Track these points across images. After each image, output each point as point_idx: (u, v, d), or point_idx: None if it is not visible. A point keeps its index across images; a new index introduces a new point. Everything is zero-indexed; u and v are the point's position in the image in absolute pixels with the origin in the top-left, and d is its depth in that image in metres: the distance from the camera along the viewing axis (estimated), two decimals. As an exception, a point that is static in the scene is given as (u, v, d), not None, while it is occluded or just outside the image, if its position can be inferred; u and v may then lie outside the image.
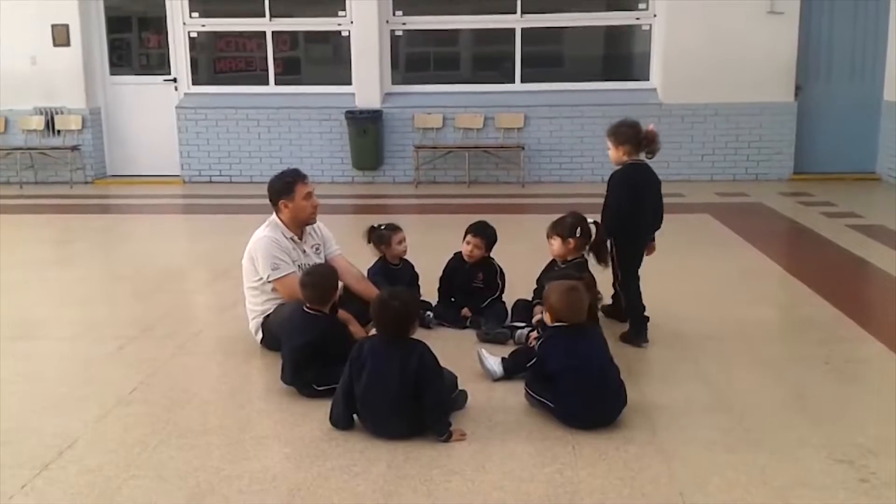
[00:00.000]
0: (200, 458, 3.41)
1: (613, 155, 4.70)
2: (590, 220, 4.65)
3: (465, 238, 5.18)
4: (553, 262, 4.88)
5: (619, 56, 11.63)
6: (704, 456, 3.34)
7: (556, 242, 4.67)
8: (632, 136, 4.64)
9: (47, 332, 5.20)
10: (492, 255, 5.22)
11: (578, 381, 3.52)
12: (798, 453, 3.35)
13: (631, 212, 4.61)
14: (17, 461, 3.41)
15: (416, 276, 5.36)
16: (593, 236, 4.60)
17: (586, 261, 4.63)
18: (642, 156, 4.69)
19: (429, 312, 4.98)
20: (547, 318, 3.74)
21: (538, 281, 4.85)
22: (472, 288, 5.15)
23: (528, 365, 3.80)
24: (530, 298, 4.94)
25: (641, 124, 4.71)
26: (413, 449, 3.41)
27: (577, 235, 4.60)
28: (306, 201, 4.65)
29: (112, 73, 11.61)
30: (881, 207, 8.85)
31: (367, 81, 11.00)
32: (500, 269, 5.20)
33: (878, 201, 9.32)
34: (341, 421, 3.60)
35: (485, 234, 5.16)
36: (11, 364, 4.54)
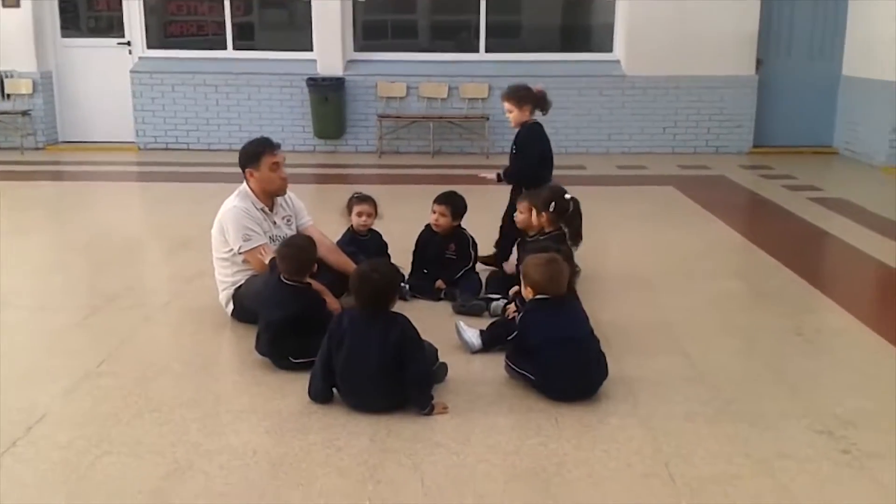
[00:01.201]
0: (176, 433, 3.32)
1: (517, 116, 5.20)
2: (567, 195, 4.61)
3: (432, 208, 5.13)
4: (524, 234, 4.85)
5: (584, 27, 11.61)
6: (687, 428, 3.36)
7: (527, 213, 4.64)
8: (531, 97, 5.19)
9: (10, 302, 5.01)
10: (463, 225, 5.18)
11: (560, 354, 3.50)
12: (779, 425, 3.38)
13: (542, 164, 5.23)
14: (-17, 438, 3.29)
15: (385, 246, 5.30)
16: (569, 210, 4.56)
17: (564, 233, 4.59)
18: (537, 114, 5.25)
19: (405, 284, 4.92)
20: (527, 293, 3.71)
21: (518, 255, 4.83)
22: (445, 259, 5.11)
23: (509, 338, 3.77)
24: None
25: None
26: (395, 423, 3.36)
27: (551, 210, 4.57)
28: (273, 172, 4.53)
29: (63, 36, 11.21)
30: (839, 180, 9.00)
31: (329, 48, 10.79)
32: (472, 240, 5.16)
33: (836, 175, 9.49)
34: (320, 395, 3.54)
35: (450, 202, 5.12)
36: (-28, 336, 4.39)
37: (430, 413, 3.43)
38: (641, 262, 5.85)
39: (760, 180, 9.04)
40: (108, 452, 3.16)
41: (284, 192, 4.67)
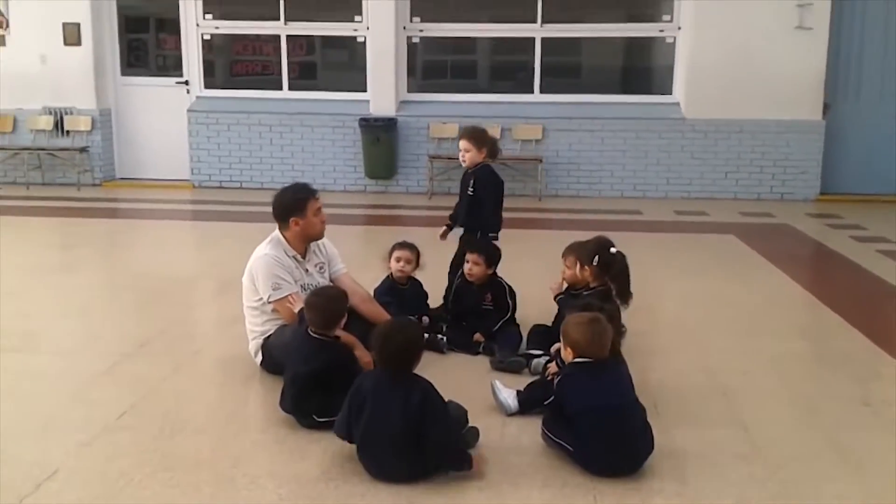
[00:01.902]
0: (187, 496, 3.13)
1: (474, 156, 5.11)
2: (613, 249, 4.33)
3: (466, 258, 4.92)
4: (568, 289, 4.59)
5: (642, 68, 11.34)
6: (738, 512, 3.05)
7: (571, 266, 4.37)
8: (488, 140, 5.19)
9: (41, 346, 4.95)
10: (498, 273, 4.94)
11: (600, 424, 3.21)
12: (838, 511, 3.05)
13: (497, 207, 5.17)
14: (-9, 494, 3.15)
15: (425, 296, 5.10)
16: (613, 266, 4.28)
17: (611, 289, 4.31)
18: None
19: (442, 336, 4.70)
20: (566, 354, 3.44)
21: (559, 309, 4.56)
22: (482, 310, 4.87)
23: (546, 403, 3.50)
24: (549, 324, 4.66)
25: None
26: (417, 495, 3.12)
27: (595, 263, 4.29)
28: (317, 217, 4.40)
29: (124, 74, 11.41)
30: (912, 232, 8.52)
31: (383, 88, 10.75)
32: (510, 288, 4.91)
33: (909, 225, 8.99)
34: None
35: (480, 248, 4.91)
36: (1, 380, 4.29)
37: (471, 468, 3.20)
38: (696, 316, 5.52)
39: (827, 230, 8.61)
40: (114, 517, 2.99)
41: (322, 236, 4.51)
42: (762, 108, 10.16)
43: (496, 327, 4.75)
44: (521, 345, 4.64)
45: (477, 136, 5.16)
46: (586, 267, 4.29)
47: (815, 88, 10.14)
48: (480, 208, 5.12)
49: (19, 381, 4.30)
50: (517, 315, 4.91)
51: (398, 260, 4.98)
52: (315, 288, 4.21)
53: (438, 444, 3.20)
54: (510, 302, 4.87)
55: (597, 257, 4.26)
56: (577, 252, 4.40)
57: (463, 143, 5.16)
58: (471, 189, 5.14)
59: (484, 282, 4.88)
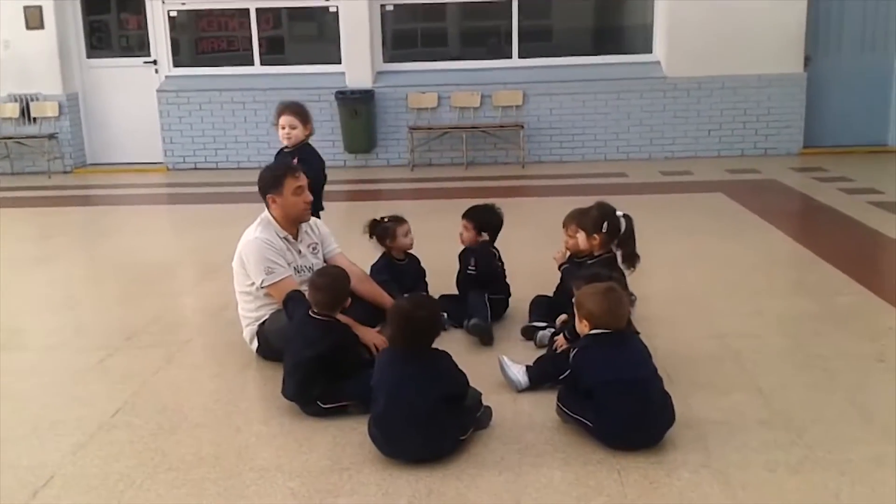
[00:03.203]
0: (194, 497, 2.98)
1: (301, 133, 5.03)
2: (619, 212, 4.19)
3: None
4: (572, 258, 4.45)
5: (621, 28, 11.15)
6: (768, 480, 2.95)
7: (580, 236, 4.21)
8: (309, 117, 5.15)
9: (25, 342, 4.74)
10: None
11: (620, 398, 3.10)
12: (874, 475, 2.96)
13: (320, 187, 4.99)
14: (-15, 505, 2.98)
15: (423, 272, 4.95)
16: (622, 231, 4.14)
17: (615, 256, 4.18)
18: None
19: (444, 313, 4.55)
20: (583, 327, 3.31)
21: (562, 279, 4.43)
22: (468, 276, 4.72)
23: (561, 378, 3.38)
24: (550, 295, 4.54)
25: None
26: (436, 481, 2.99)
27: (604, 230, 4.15)
28: (296, 196, 4.17)
29: (89, 57, 11.06)
30: (900, 182, 8.47)
31: (358, 60, 10.50)
32: (490, 253, 4.69)
33: (896, 175, 8.94)
34: None
35: (470, 214, 4.74)
36: (-12, 381, 4.11)
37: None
38: (697, 279, 5.42)
39: (815, 183, 8.54)
40: (119, 522, 2.85)
41: (307, 218, 4.32)
42: (743, 64, 10.04)
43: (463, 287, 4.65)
44: (487, 311, 4.45)
45: (303, 113, 5.02)
46: (595, 235, 4.14)
47: (796, 41, 10.03)
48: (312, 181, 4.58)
49: (6, 380, 4.12)
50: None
51: (406, 234, 4.80)
52: (315, 269, 4.05)
53: (474, 402, 3.25)
54: (492, 266, 4.66)
55: (605, 224, 4.11)
56: (580, 220, 4.24)
57: (287, 120, 4.97)
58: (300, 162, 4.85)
59: (473, 246, 4.74)
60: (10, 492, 3.06)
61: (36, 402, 3.85)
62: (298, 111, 5.02)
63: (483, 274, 4.63)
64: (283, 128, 5.01)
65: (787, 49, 10.04)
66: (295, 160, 4.82)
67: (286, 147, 5.10)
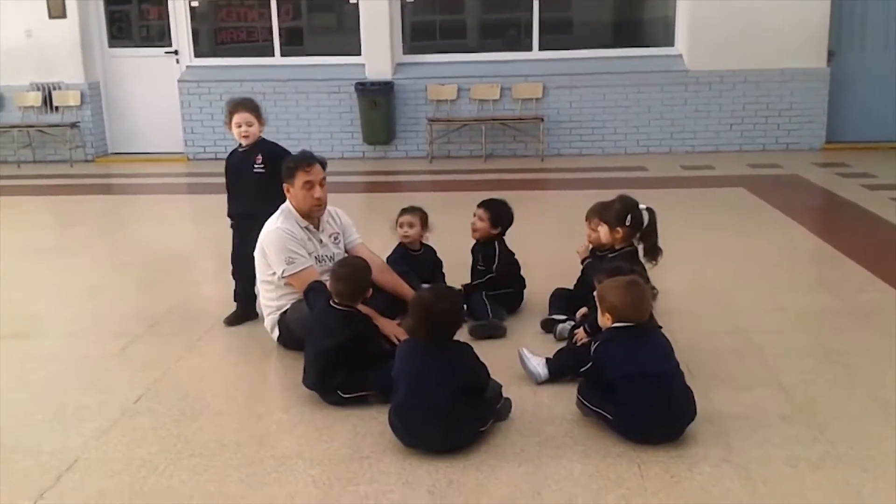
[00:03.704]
0: (216, 483, 3.01)
1: (258, 129, 4.69)
2: (642, 206, 4.17)
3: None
4: (594, 251, 4.44)
5: (642, 21, 11.10)
6: (789, 475, 2.93)
7: (603, 230, 4.20)
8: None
9: (47, 330, 4.80)
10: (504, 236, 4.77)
11: (642, 392, 3.09)
12: (894, 470, 2.94)
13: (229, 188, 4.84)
14: (11, 488, 3.02)
15: (440, 263, 4.95)
16: (645, 224, 4.12)
17: (636, 250, 4.16)
18: None
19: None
20: (604, 320, 3.30)
21: (583, 273, 4.42)
22: (477, 270, 4.72)
23: (582, 371, 3.37)
24: (571, 287, 4.53)
25: None
26: (456, 471, 3.00)
27: (628, 224, 4.13)
28: (305, 191, 4.14)
29: (111, 46, 11.12)
30: (924, 178, 8.38)
31: (378, 51, 10.49)
32: (500, 250, 4.68)
33: (919, 172, 8.85)
34: None
35: (487, 205, 4.70)
36: (10, 367, 4.16)
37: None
38: (718, 273, 5.39)
39: (837, 179, 8.47)
40: (142, 506, 2.87)
41: (318, 214, 4.27)
42: (766, 58, 9.95)
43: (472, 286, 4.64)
44: (487, 311, 4.45)
45: (257, 108, 4.71)
46: (619, 229, 4.13)
47: (819, 35, 9.92)
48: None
49: (29, 367, 4.17)
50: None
51: (401, 225, 4.82)
52: (336, 259, 4.06)
53: (494, 394, 3.29)
54: (497, 262, 4.65)
55: (629, 217, 4.10)
56: (603, 214, 4.23)
57: (244, 117, 4.62)
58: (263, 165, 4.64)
59: (485, 241, 4.72)
60: (34, 476, 3.09)
61: (58, 389, 3.89)
62: (254, 107, 4.69)
63: (502, 273, 4.62)
64: (240, 126, 4.62)
65: (811, 44, 9.94)
66: (259, 157, 4.64)
67: (241, 147, 4.74)
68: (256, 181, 4.63)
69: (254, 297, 4.64)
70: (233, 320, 4.70)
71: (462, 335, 4.06)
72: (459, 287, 4.42)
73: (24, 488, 3.01)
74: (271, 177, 4.41)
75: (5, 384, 3.94)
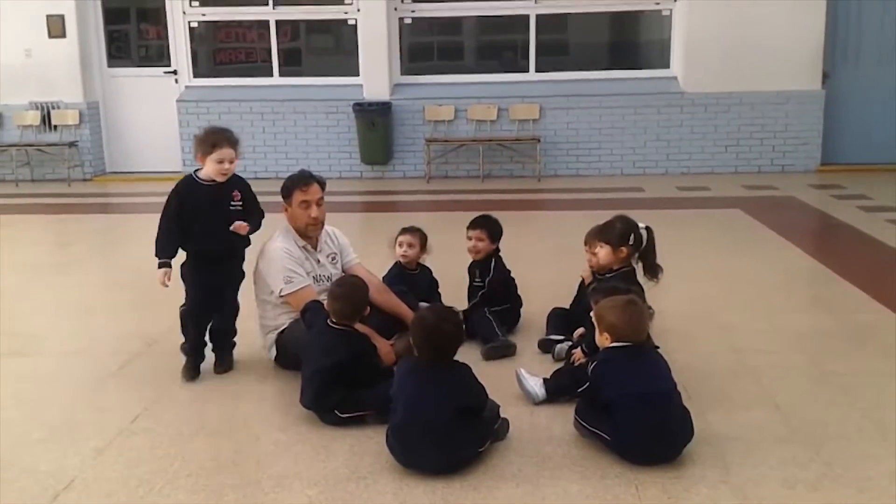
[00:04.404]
0: (213, 502, 3.00)
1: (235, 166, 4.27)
2: (641, 225, 4.20)
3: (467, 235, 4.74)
4: (594, 274, 4.44)
5: (639, 43, 11.19)
6: (786, 497, 2.94)
7: (604, 251, 4.22)
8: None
9: (44, 348, 4.79)
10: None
11: (641, 411, 3.10)
12: (893, 492, 2.95)
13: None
14: (6, 508, 3.02)
15: (436, 283, 4.96)
16: (644, 243, 4.15)
17: (634, 270, 4.19)
18: None
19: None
20: (602, 339, 3.32)
21: (578, 293, 4.44)
22: (473, 287, 4.73)
23: (580, 390, 3.38)
24: (567, 307, 4.55)
25: None
26: (453, 493, 3.00)
27: (630, 243, 4.16)
28: (301, 210, 4.16)
29: (110, 66, 11.18)
30: (919, 200, 8.43)
31: (376, 72, 10.56)
32: (496, 265, 4.68)
33: (915, 194, 8.90)
34: None
35: (487, 225, 4.69)
36: (6, 386, 4.15)
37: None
38: (714, 294, 5.41)
39: (833, 201, 8.51)
40: (139, 527, 2.87)
41: (315, 233, 4.29)
42: (761, 80, 10.04)
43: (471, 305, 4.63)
44: (493, 329, 4.46)
45: (238, 141, 4.27)
46: (622, 248, 4.16)
47: (814, 57, 10.02)
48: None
49: (25, 386, 4.17)
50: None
51: (401, 245, 4.84)
52: (334, 279, 4.08)
53: (492, 414, 3.30)
54: (495, 277, 4.65)
55: (632, 236, 4.13)
56: (604, 235, 4.25)
57: (228, 154, 4.15)
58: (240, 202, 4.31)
59: (481, 259, 4.72)
60: (30, 495, 3.09)
61: (54, 408, 3.89)
62: (236, 141, 4.24)
63: (495, 288, 4.63)
64: (222, 162, 4.16)
65: (805, 66, 10.04)
66: (236, 194, 4.25)
67: (205, 180, 4.32)
68: (232, 218, 4.20)
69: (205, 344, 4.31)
70: (193, 372, 4.22)
71: (473, 357, 4.08)
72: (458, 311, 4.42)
73: (21, 508, 3.01)
74: (246, 213, 4.21)
75: (2, 402, 3.94)
